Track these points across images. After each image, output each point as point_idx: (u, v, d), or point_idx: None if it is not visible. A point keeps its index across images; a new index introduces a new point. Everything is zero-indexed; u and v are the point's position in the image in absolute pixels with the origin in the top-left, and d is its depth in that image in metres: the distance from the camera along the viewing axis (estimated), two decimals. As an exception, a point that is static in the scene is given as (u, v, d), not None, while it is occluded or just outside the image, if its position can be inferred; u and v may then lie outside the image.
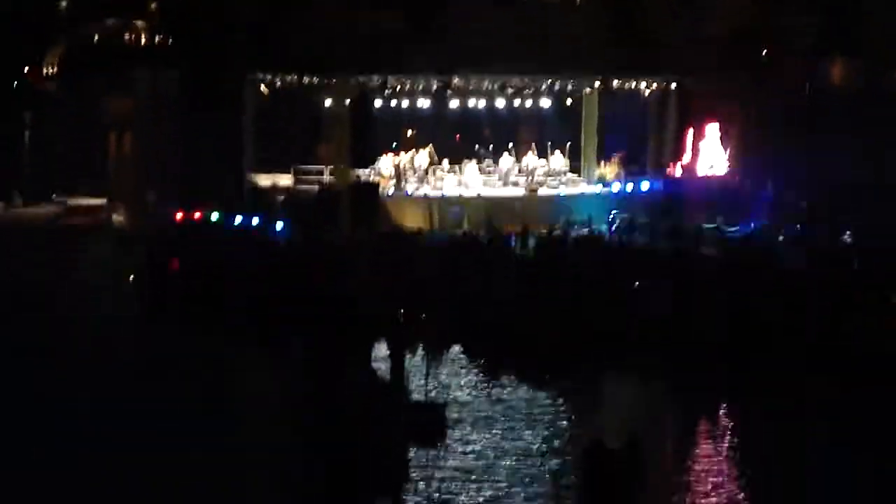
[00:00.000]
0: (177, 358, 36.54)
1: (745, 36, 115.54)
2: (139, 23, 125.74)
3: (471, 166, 48.57)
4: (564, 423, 32.51)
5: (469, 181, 47.99)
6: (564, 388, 34.87)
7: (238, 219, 44.38)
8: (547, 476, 28.14)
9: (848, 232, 43.54)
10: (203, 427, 31.07)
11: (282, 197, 47.03)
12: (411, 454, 29.54)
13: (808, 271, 39.27)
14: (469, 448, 30.20)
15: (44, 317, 39.94)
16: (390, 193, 46.61)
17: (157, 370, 35.46)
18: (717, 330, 36.93)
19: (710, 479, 28.00)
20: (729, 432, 32.07)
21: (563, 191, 48.64)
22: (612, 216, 46.66)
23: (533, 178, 48.87)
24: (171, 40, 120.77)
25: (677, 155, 49.76)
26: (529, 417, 32.53)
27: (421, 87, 47.37)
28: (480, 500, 26.73)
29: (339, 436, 30.68)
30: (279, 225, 44.11)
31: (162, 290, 41.48)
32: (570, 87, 49.61)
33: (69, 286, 43.46)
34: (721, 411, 34.08)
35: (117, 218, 49.46)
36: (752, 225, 45.35)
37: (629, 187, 49.10)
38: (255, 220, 44.24)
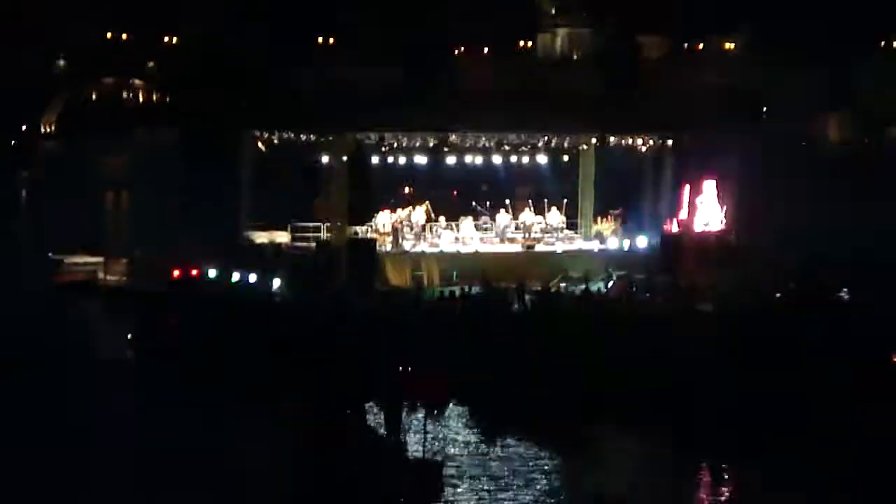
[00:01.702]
0: (172, 414, 36.38)
1: (741, 92, 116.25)
2: (137, 81, 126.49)
3: (467, 223, 48.61)
4: (562, 482, 32.37)
5: (466, 237, 48.01)
6: (563, 447, 34.74)
7: (235, 275, 44.32)
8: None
9: (845, 289, 43.54)
10: (198, 483, 30.97)
11: (279, 253, 46.99)
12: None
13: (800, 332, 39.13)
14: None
15: (41, 372, 39.81)
16: (388, 250, 46.59)
17: (153, 426, 35.31)
18: (717, 391, 36.75)
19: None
20: (730, 499, 31.93)
21: (560, 247, 48.64)
22: (608, 273, 46.65)
23: (530, 234, 48.89)
24: (168, 98, 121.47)
25: (674, 211, 49.77)
26: (527, 476, 32.40)
27: (418, 143, 47.44)
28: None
29: (337, 495, 30.55)
30: (276, 282, 44.06)
31: (159, 346, 41.36)
32: (566, 143, 49.69)
33: (66, 342, 43.32)
34: (723, 475, 33.86)
35: (113, 275, 49.31)
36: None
37: (626, 244, 49.11)
38: (253, 277, 44.18)
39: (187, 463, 32.85)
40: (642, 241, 49.22)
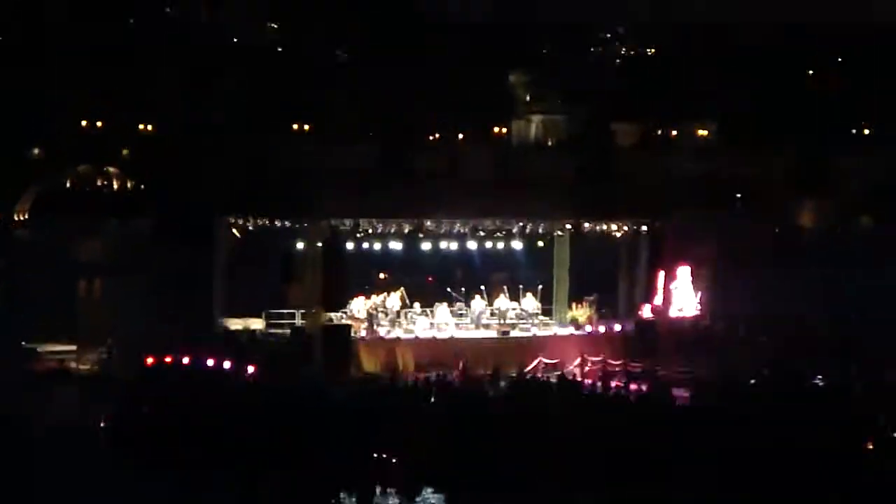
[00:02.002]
0: (144, 499, 36.07)
1: (714, 179, 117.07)
2: (111, 169, 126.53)
3: (442, 308, 48.50)
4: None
5: (441, 323, 47.88)
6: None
7: (210, 362, 44.05)
8: None
9: (819, 377, 43.51)
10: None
11: (254, 340, 46.78)
12: None
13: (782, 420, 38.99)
14: None
15: (13, 460, 39.46)
16: (362, 336, 46.41)
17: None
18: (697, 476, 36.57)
19: None
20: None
21: (536, 332, 48.55)
22: (583, 359, 46.58)
23: (505, 320, 48.80)
24: (142, 186, 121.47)
25: (648, 296, 49.79)
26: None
27: (393, 229, 47.41)
28: None
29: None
30: (250, 369, 43.80)
31: (135, 433, 40.99)
32: (541, 229, 49.75)
33: (37, 430, 42.91)
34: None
35: (86, 363, 48.97)
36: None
37: (602, 330, 49.08)
38: (227, 364, 43.91)
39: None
40: (617, 328, 49.20)
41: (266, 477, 37.76)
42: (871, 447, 37.07)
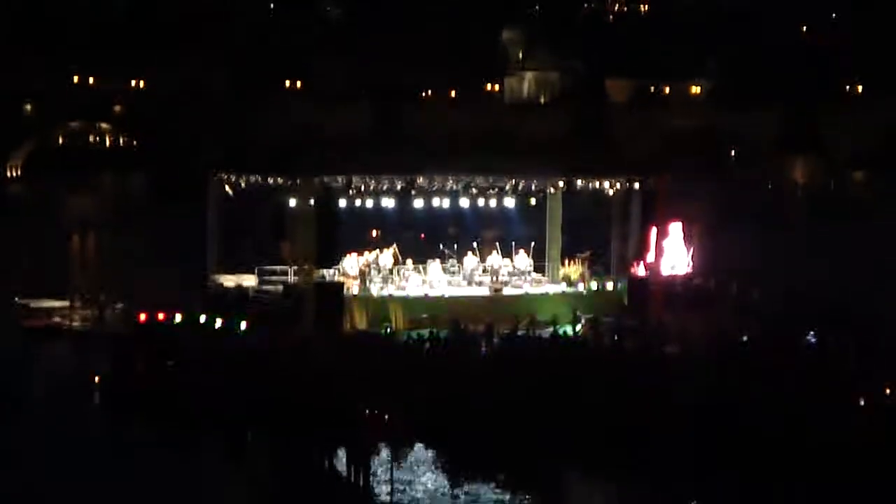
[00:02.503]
0: (138, 458, 36.18)
1: (707, 136, 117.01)
2: (104, 125, 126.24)
3: (434, 265, 48.58)
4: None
5: (433, 280, 47.97)
6: (531, 490, 34.59)
7: (202, 319, 44.13)
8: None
9: (812, 332, 43.61)
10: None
11: (246, 297, 46.85)
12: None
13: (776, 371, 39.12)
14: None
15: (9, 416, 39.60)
16: (355, 293, 46.48)
17: (118, 473, 35.07)
18: (687, 433, 36.66)
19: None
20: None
21: (528, 290, 48.65)
22: (576, 316, 46.69)
23: (497, 277, 48.87)
24: (135, 142, 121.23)
25: (641, 254, 49.86)
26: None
27: (385, 187, 47.38)
28: None
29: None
30: (243, 325, 43.87)
31: (127, 390, 41.10)
32: (534, 186, 49.75)
33: (32, 386, 43.04)
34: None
35: (79, 319, 49.06)
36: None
37: (594, 287, 49.18)
38: (219, 321, 43.99)
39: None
40: (610, 285, 49.31)
41: (256, 434, 37.91)
42: (862, 404, 37.19)
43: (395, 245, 48.59)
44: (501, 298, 47.98)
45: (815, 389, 37.86)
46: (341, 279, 46.79)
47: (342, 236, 47.61)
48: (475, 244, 49.70)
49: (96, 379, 41.67)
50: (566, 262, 50.44)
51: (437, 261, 48.89)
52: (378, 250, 48.38)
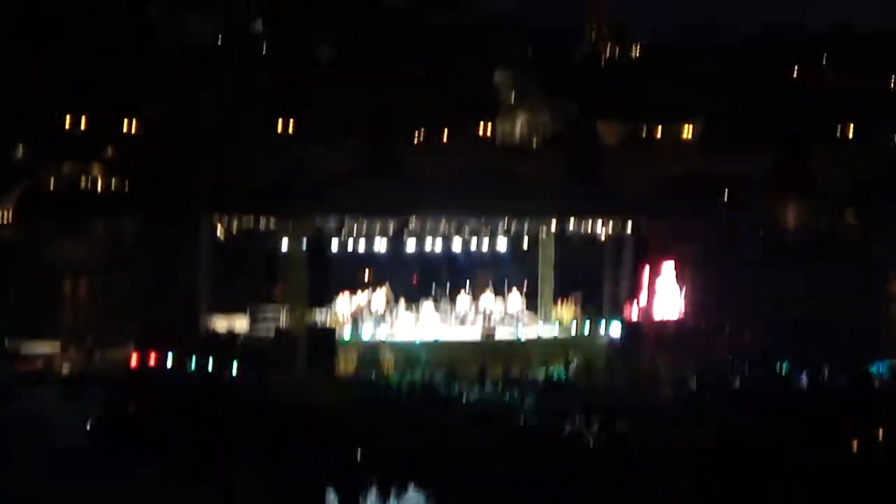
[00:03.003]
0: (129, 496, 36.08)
1: (701, 178, 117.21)
2: (96, 168, 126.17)
3: (427, 306, 48.49)
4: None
5: (425, 322, 47.86)
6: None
7: (193, 363, 44.02)
8: None
9: (804, 373, 43.63)
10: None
11: (238, 341, 46.72)
12: None
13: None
14: None
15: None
16: (347, 338, 46.35)
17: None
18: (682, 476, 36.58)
19: None
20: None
21: (521, 332, 48.57)
22: (568, 359, 46.65)
23: (490, 320, 48.78)
24: (127, 184, 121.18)
25: (633, 295, 49.83)
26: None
27: (378, 228, 47.34)
28: None
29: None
30: (235, 369, 43.77)
31: (120, 433, 40.96)
32: (526, 228, 49.74)
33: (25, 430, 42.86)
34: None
35: (70, 363, 48.93)
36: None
37: (586, 328, 49.14)
38: (211, 365, 43.87)
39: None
40: (602, 327, 49.25)
41: (248, 475, 37.77)
42: (856, 447, 37.15)
43: (387, 286, 48.51)
44: (494, 342, 47.87)
45: (808, 430, 37.84)
46: (333, 324, 46.65)
47: (334, 277, 47.51)
48: (468, 285, 49.65)
49: (88, 423, 41.52)
50: (559, 303, 50.40)
51: (430, 301, 48.80)
52: (370, 290, 48.29)
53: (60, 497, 36.25)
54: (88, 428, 41.44)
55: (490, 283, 49.68)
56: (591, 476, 36.84)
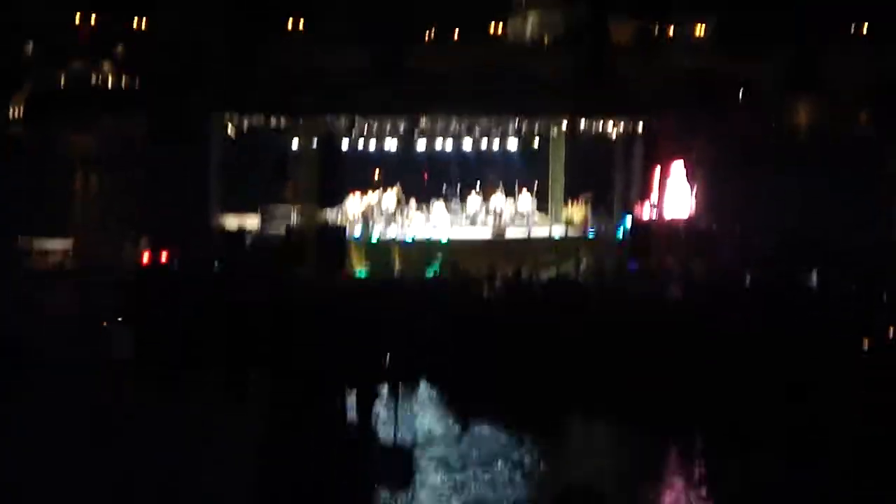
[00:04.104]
0: (142, 400, 36.41)
1: (711, 76, 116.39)
2: (105, 65, 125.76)
3: (438, 206, 48.51)
4: (534, 468, 32.35)
5: (437, 221, 47.92)
6: (533, 430, 34.73)
7: (205, 262, 44.20)
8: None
9: (813, 275, 43.66)
10: (169, 465, 30.97)
11: (249, 240, 46.83)
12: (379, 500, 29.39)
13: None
14: (438, 493, 30.04)
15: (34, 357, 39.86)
16: (358, 236, 46.45)
17: (122, 414, 35.33)
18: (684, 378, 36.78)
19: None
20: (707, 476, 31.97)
21: (531, 231, 48.64)
22: (578, 258, 46.73)
23: (500, 219, 48.83)
24: (138, 82, 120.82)
25: (644, 195, 49.77)
26: (500, 461, 32.39)
27: (388, 127, 47.23)
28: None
29: (307, 481, 30.50)
30: (244, 268, 43.94)
31: (135, 335, 41.27)
32: (537, 127, 49.59)
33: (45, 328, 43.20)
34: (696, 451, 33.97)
35: (82, 259, 49.17)
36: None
37: (596, 228, 49.16)
38: (223, 264, 44.04)
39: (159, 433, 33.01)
40: (612, 227, 49.28)
41: (263, 374, 38.07)
42: (866, 347, 37.28)
43: (398, 185, 48.49)
44: (504, 242, 47.95)
45: (817, 331, 37.99)
46: (344, 222, 46.73)
47: (345, 177, 47.50)
48: (478, 185, 49.63)
49: (103, 322, 41.82)
50: (569, 203, 50.38)
51: (441, 201, 48.82)
52: (381, 191, 48.30)
53: (71, 396, 36.65)
54: (104, 326, 41.74)
55: (501, 183, 49.63)
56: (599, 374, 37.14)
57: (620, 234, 48.65)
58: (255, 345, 39.26)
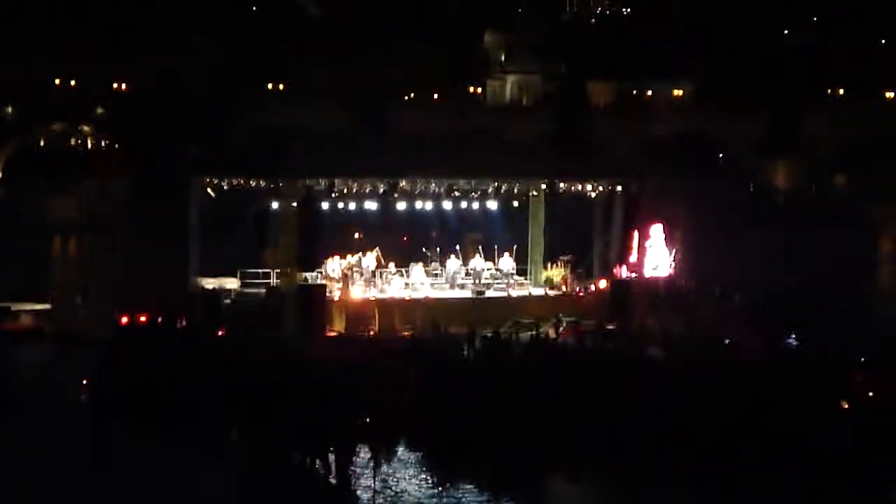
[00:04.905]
0: (123, 460, 36.16)
1: (689, 140, 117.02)
2: (86, 128, 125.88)
3: (418, 269, 48.55)
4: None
5: (416, 283, 47.92)
6: (516, 494, 34.57)
7: (183, 323, 44.00)
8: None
9: (793, 335, 43.72)
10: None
11: (228, 301, 46.75)
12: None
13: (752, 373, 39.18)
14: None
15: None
16: (337, 298, 46.40)
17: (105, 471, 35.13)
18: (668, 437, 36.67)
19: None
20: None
21: (510, 293, 48.65)
22: (557, 318, 46.71)
23: (480, 280, 48.85)
24: (117, 144, 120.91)
25: (623, 256, 49.89)
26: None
27: (368, 189, 47.32)
28: None
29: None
30: (224, 329, 43.81)
31: (111, 392, 41.04)
32: (516, 189, 49.74)
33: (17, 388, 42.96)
34: None
35: (60, 322, 48.95)
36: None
37: (576, 290, 49.22)
38: (201, 325, 43.90)
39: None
40: (592, 288, 49.34)
41: (239, 434, 37.85)
42: (846, 406, 37.27)
43: (377, 248, 48.53)
44: (483, 302, 47.93)
45: (797, 391, 37.97)
46: (324, 282, 46.70)
47: (325, 239, 47.50)
48: (458, 247, 49.66)
49: (83, 381, 41.59)
50: (549, 265, 50.45)
51: (420, 264, 48.86)
52: (361, 253, 48.30)
53: (53, 455, 36.42)
54: (83, 384, 41.50)
55: (480, 245, 49.68)
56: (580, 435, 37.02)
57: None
58: (234, 403, 39.04)
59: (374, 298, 46.72)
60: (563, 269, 49.94)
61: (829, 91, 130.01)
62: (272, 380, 39.13)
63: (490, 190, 49.12)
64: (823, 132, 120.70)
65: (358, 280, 47.35)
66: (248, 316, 44.94)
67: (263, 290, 46.76)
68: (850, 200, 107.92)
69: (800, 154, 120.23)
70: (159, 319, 44.10)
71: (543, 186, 49.66)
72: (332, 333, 45.17)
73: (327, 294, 46.01)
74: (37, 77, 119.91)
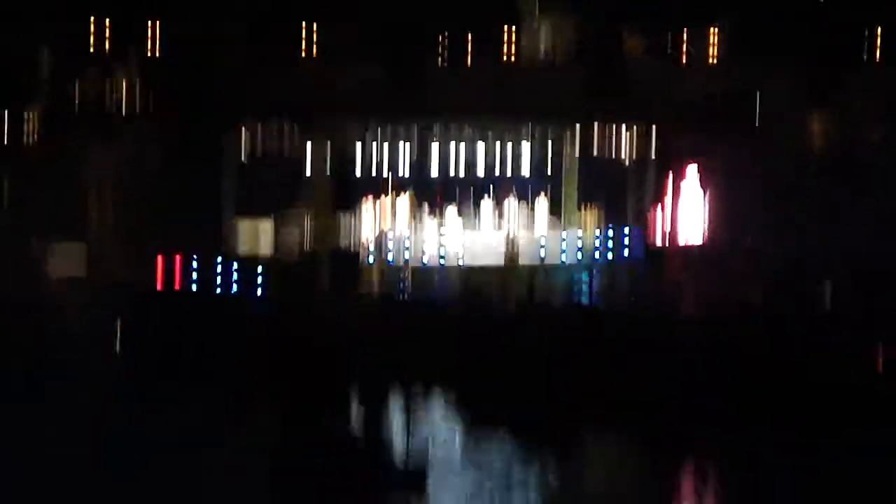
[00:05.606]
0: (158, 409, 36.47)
1: (724, 90, 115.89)
2: (120, 76, 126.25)
3: (451, 210, 48.50)
4: (545, 481, 32.37)
5: (449, 228, 47.88)
6: (546, 444, 34.73)
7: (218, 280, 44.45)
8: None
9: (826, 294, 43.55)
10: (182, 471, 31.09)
11: (262, 263, 46.99)
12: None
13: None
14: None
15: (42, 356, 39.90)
16: (371, 261, 46.53)
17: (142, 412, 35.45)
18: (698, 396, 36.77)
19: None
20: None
21: (544, 235, 48.62)
22: (591, 279, 46.81)
23: (513, 227, 48.74)
24: (152, 96, 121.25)
25: (656, 204, 49.71)
26: (508, 468, 32.40)
27: (402, 134, 47.33)
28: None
29: (317, 496, 30.56)
30: (259, 290, 44.25)
31: (149, 340, 41.43)
32: (550, 133, 49.63)
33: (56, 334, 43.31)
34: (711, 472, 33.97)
35: (99, 265, 49.34)
36: None
37: (609, 240, 49.11)
38: (236, 287, 44.37)
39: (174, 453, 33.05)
40: (625, 240, 49.33)
41: (278, 386, 38.11)
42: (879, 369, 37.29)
43: (410, 191, 48.56)
44: (516, 268, 47.93)
45: (826, 342, 37.98)
46: (357, 248, 46.79)
47: (359, 183, 47.61)
48: (491, 191, 49.65)
49: (118, 331, 41.99)
50: (581, 209, 50.38)
51: (454, 207, 48.82)
52: (394, 195, 48.33)
53: (85, 405, 36.72)
54: (118, 335, 41.89)
55: (514, 190, 49.66)
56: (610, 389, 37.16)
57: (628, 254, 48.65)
58: (272, 355, 39.39)
59: (406, 263, 46.76)
60: (595, 215, 49.85)
61: (865, 45, 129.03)
62: (307, 334, 39.43)
63: (525, 134, 49.03)
64: (860, 88, 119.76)
65: (390, 244, 47.33)
66: (283, 279, 45.19)
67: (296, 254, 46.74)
68: (886, 159, 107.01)
69: (835, 110, 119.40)
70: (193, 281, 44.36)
71: (578, 131, 49.54)
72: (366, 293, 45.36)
73: (360, 259, 46.10)
74: (69, 27, 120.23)
